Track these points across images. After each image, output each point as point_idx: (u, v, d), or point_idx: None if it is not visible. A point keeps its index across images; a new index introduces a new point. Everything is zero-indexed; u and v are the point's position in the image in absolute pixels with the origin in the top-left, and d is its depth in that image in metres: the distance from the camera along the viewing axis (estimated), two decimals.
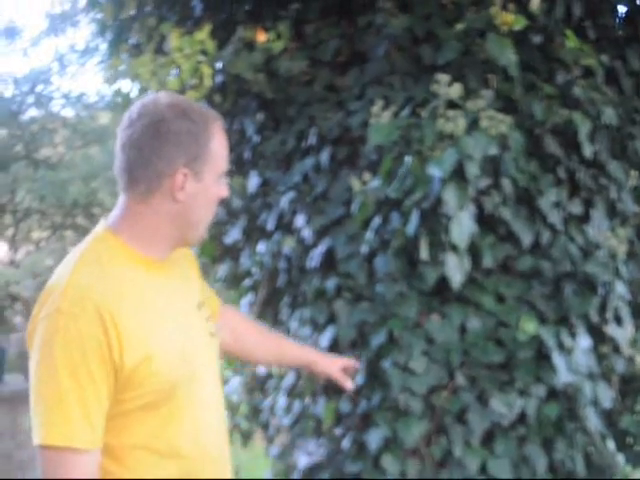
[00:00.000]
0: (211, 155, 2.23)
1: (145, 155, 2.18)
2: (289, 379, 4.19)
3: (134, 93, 4.74)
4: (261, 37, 4.31)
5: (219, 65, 4.24)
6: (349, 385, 3.05)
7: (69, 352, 2.02)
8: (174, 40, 4.32)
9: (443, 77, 3.47)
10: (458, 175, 3.36)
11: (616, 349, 3.82)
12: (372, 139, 3.60)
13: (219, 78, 4.27)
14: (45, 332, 2.06)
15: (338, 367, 3.07)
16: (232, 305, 3.07)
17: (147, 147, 2.18)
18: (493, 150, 3.38)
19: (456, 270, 3.44)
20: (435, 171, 3.35)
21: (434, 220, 3.45)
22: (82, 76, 30.19)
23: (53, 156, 20.11)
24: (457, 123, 3.34)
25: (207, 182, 2.24)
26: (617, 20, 4.18)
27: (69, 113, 20.75)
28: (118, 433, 2.13)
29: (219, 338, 2.52)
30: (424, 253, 3.45)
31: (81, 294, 2.07)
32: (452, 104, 3.49)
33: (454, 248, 3.44)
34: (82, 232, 19.57)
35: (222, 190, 2.31)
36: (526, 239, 3.65)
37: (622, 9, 4.18)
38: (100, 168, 18.11)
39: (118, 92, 4.76)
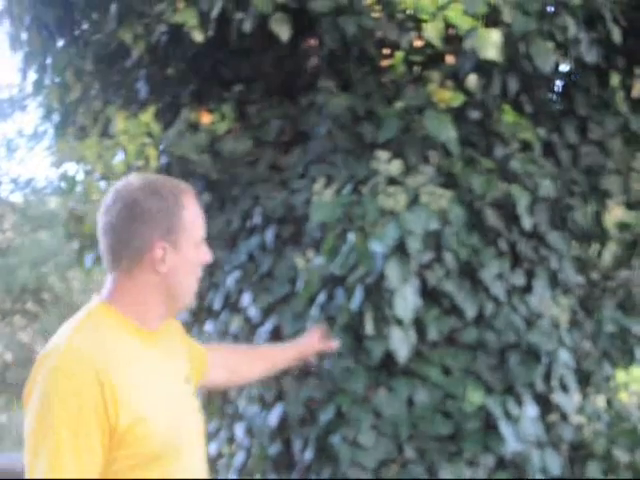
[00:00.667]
0: (185, 225, 2.33)
1: (123, 238, 2.30)
2: (239, 458, 4.17)
3: (80, 176, 4.76)
4: (205, 118, 4.36)
5: (164, 147, 4.28)
6: (335, 345, 3.36)
7: (67, 409, 2.09)
8: (119, 123, 4.37)
9: (383, 154, 3.52)
10: (400, 250, 3.39)
11: (563, 417, 3.85)
12: (315, 217, 3.62)
13: (164, 160, 4.31)
14: (43, 390, 2.12)
15: (318, 340, 3.33)
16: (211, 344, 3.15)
17: (124, 230, 2.30)
18: (434, 225, 3.43)
19: (401, 344, 3.46)
20: (377, 247, 3.39)
21: (378, 295, 3.48)
22: (31, 161, 30.22)
23: (2, 241, 19.98)
24: (397, 199, 3.38)
25: (185, 251, 2.34)
26: (553, 94, 4.28)
27: (18, 198, 20.69)
28: None
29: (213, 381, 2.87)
30: (369, 328, 3.48)
31: (80, 355, 2.16)
32: (393, 180, 3.54)
33: (399, 322, 3.46)
34: (31, 318, 19.40)
35: (203, 255, 2.41)
36: (470, 311, 3.68)
37: (558, 83, 4.28)
38: (49, 253, 18.02)
39: (64, 176, 4.78)
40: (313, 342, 3.35)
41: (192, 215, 2.37)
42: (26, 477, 2.12)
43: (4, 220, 20.01)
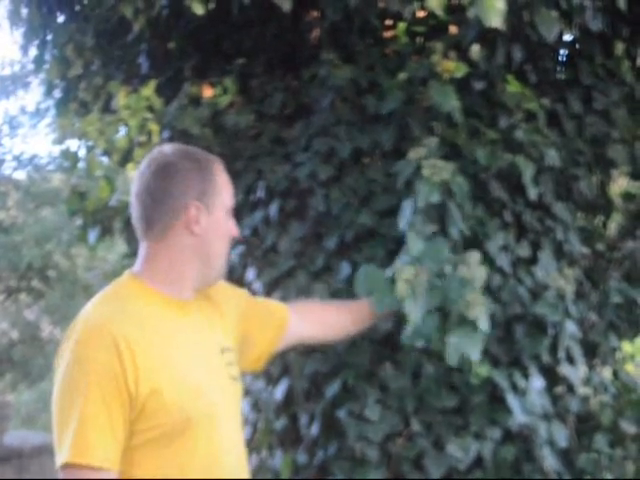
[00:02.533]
0: (218, 189, 2.39)
1: (157, 197, 2.35)
2: (246, 433, 4.16)
3: (82, 153, 4.74)
4: (207, 92, 4.33)
5: (166, 121, 4.25)
6: None
7: (85, 379, 2.16)
8: (121, 98, 4.34)
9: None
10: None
11: (570, 389, 3.84)
12: (423, 196, 3.36)
13: (166, 134, 4.28)
14: (66, 363, 2.20)
15: None
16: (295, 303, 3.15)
17: (158, 189, 2.35)
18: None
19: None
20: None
21: None
22: (33, 138, 30.27)
23: (6, 219, 19.99)
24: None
25: (218, 215, 2.38)
26: (557, 64, 4.24)
27: (21, 176, 20.70)
28: (133, 465, 2.23)
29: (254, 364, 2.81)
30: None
31: (99, 324, 2.21)
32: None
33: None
34: (37, 295, 19.45)
35: (232, 227, 2.46)
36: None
37: (562, 53, 4.24)
38: (54, 230, 18.04)
39: (65, 152, 4.77)
40: None
41: (224, 181, 2.42)
42: (56, 451, 2.22)
43: (8, 198, 20.02)
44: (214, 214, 2.38)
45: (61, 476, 2.19)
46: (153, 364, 2.22)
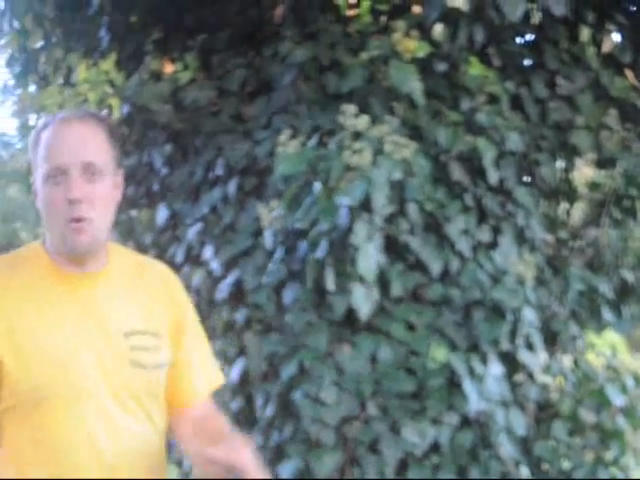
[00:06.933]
0: (38, 157, 2.17)
1: None
2: None
3: None
4: (168, 68, 4.28)
5: (126, 96, 4.18)
6: None
7: None
8: (81, 71, 4.28)
9: (349, 108, 3.41)
10: (365, 206, 3.32)
11: (529, 376, 3.81)
12: (279, 169, 3.53)
13: (125, 109, 4.22)
14: None
15: None
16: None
17: None
18: (397, 174, 3.33)
19: (363, 301, 3.39)
20: (344, 200, 3.30)
21: (341, 250, 3.40)
22: (0, 115, 30.05)
23: None
24: (363, 155, 3.28)
25: (38, 184, 2.18)
26: (522, 47, 4.19)
27: None
28: None
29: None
30: (330, 283, 3.40)
31: None
32: (359, 135, 3.46)
33: (361, 278, 3.39)
34: None
35: (52, 192, 2.15)
36: (435, 267, 3.62)
37: (527, 37, 4.19)
38: (21, 208, 17.91)
39: (24, 125, 4.69)
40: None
41: (44, 147, 2.16)
42: None
43: None
44: (36, 183, 2.19)
45: None
46: (14, 336, 2.10)
